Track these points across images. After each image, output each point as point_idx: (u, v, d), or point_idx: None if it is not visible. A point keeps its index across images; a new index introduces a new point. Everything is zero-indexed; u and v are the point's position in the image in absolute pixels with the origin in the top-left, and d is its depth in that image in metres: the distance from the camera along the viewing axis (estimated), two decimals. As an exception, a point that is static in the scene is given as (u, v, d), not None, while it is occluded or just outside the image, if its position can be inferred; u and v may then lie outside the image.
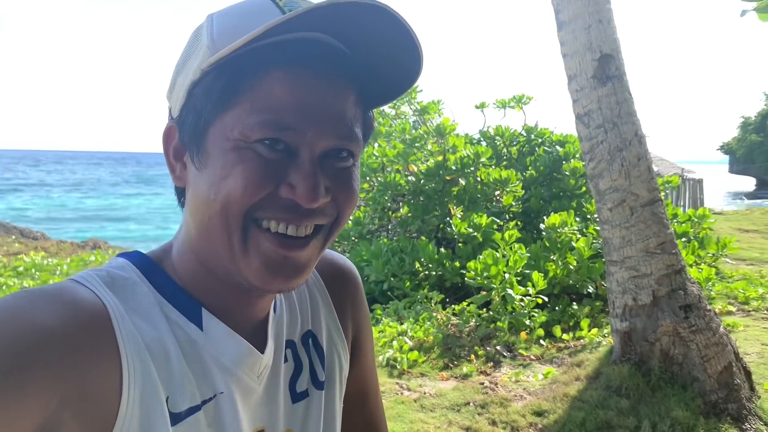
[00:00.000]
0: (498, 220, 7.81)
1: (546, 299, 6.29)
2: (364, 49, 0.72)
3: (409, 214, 8.38)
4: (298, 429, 0.87)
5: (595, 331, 5.59)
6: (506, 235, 7.04)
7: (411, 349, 5.37)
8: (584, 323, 5.81)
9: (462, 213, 8.05)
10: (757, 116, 56.47)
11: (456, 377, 4.94)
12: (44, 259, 13.70)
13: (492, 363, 5.21)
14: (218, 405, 0.75)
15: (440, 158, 8.46)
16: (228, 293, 0.78)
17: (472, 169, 8.32)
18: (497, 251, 6.56)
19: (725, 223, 13.58)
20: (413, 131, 8.92)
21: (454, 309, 6.34)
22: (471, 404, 4.38)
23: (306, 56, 0.69)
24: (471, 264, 6.32)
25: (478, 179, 8.32)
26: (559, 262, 6.75)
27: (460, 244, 7.56)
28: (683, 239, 8.28)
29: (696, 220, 9.01)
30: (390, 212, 8.88)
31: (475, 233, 7.40)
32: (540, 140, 9.79)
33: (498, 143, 9.67)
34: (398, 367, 5.05)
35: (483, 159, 8.35)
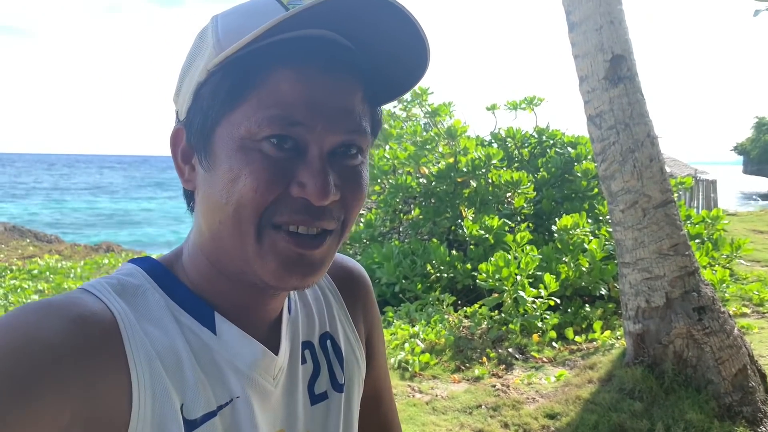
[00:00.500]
0: (509, 222, 7.79)
1: (558, 301, 6.26)
2: (371, 45, 0.72)
3: (421, 217, 8.38)
4: (318, 431, 0.86)
5: (607, 333, 5.56)
6: (518, 236, 7.02)
7: (423, 352, 5.37)
8: (597, 325, 5.78)
9: (473, 215, 8.04)
10: (772, 116, 55.94)
11: (468, 380, 4.93)
12: (58, 262, 13.82)
13: (504, 365, 5.20)
14: (235, 409, 0.75)
15: (451, 160, 8.45)
16: (241, 294, 0.77)
17: (484, 170, 8.30)
18: (509, 253, 6.54)
19: (739, 225, 13.46)
20: (424, 133, 8.92)
21: (465, 311, 6.33)
22: (483, 407, 4.37)
23: (312, 53, 0.69)
24: (483, 266, 6.31)
25: (490, 181, 8.30)
26: (572, 264, 6.72)
27: (471, 246, 7.55)
28: (697, 240, 8.22)
29: (710, 221, 8.95)
30: (401, 214, 8.88)
31: (487, 235, 7.39)
32: (551, 142, 9.75)
33: (509, 145, 9.64)
34: (410, 369, 5.05)
35: (494, 161, 8.34)
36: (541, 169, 9.07)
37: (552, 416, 4.15)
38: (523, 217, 8.29)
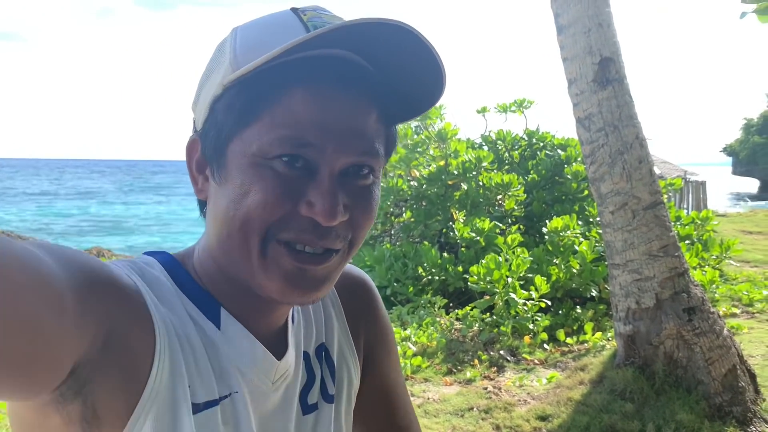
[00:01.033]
0: (500, 225, 7.80)
1: (549, 303, 6.28)
2: (387, 66, 0.72)
3: (412, 219, 8.38)
4: None
5: (598, 334, 5.58)
6: (509, 239, 7.03)
7: (414, 355, 5.37)
8: (588, 327, 5.80)
9: (464, 217, 8.05)
10: (760, 118, 56.42)
11: (459, 382, 4.93)
12: (48, 267, 13.71)
13: (495, 367, 5.20)
14: (233, 404, 0.76)
15: (442, 163, 8.46)
16: (247, 299, 0.78)
17: (474, 173, 8.33)
18: (500, 255, 6.55)
19: (729, 225, 13.55)
20: (415, 136, 8.92)
21: (457, 314, 6.33)
22: (475, 409, 4.37)
23: (327, 72, 0.69)
24: (474, 268, 6.31)
25: (480, 184, 8.32)
26: (562, 266, 6.74)
27: (462, 249, 7.56)
28: (687, 241, 8.26)
29: (699, 222, 9.00)
30: (393, 217, 8.88)
31: (478, 238, 7.40)
32: (541, 144, 9.79)
33: (500, 147, 9.67)
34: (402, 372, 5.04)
35: (485, 163, 8.36)
36: (532, 172, 9.09)
37: (544, 418, 4.16)
38: (513, 220, 8.31)
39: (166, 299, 0.75)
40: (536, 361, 5.33)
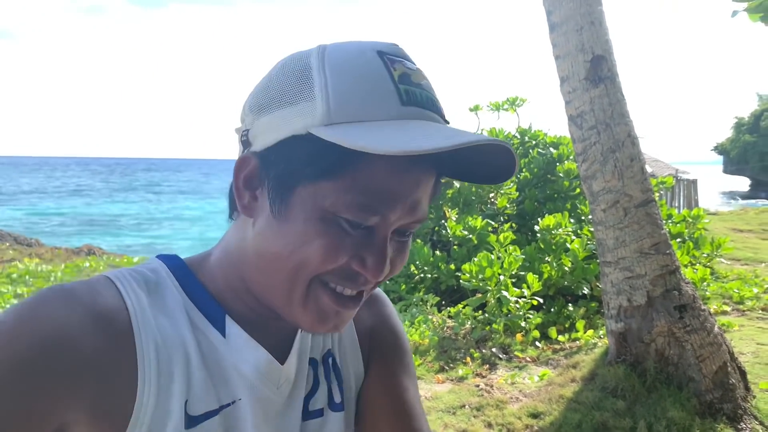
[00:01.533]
0: (493, 223, 7.81)
1: (541, 301, 6.29)
2: (464, 159, 0.73)
3: (404, 217, 8.37)
4: None
5: (590, 332, 5.59)
6: (501, 237, 7.04)
7: (406, 353, 5.35)
8: (579, 324, 5.81)
9: (457, 215, 8.05)
10: (750, 117, 56.71)
11: (451, 380, 4.93)
12: (38, 265, 13.64)
13: (487, 365, 5.21)
14: (237, 411, 0.77)
15: (434, 161, 8.46)
16: (261, 309, 0.80)
17: (467, 171, 8.32)
18: (492, 253, 6.55)
19: (720, 224, 13.61)
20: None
21: (449, 311, 6.34)
22: (466, 407, 4.37)
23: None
24: (466, 266, 6.32)
25: (473, 182, 8.31)
26: (554, 264, 6.75)
27: (455, 247, 7.56)
28: (678, 240, 8.29)
29: (691, 220, 9.03)
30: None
31: (470, 235, 7.40)
32: (534, 142, 9.81)
33: (492, 146, 9.66)
34: (394, 370, 5.03)
35: (477, 161, 8.35)
36: (524, 170, 9.11)
37: (535, 415, 4.16)
38: (506, 218, 8.32)
39: (169, 307, 0.76)
40: (528, 359, 5.34)
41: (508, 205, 8.25)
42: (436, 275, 7.14)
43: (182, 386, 0.72)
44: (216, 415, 0.75)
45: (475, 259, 6.38)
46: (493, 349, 5.48)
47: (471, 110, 10.17)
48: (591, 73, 4.29)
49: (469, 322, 5.96)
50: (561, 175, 8.76)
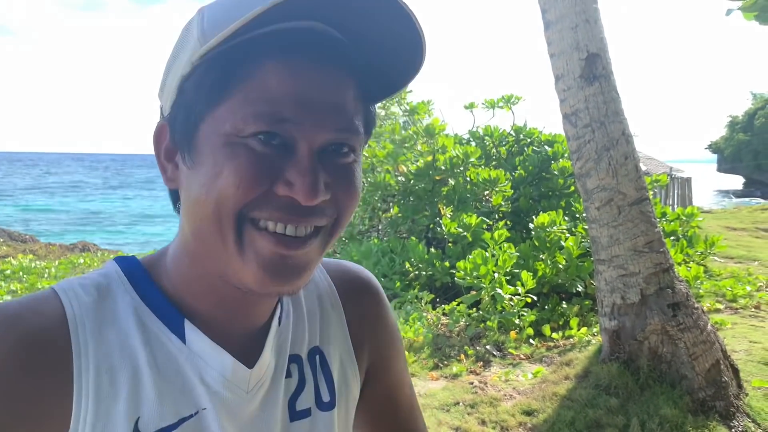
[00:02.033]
0: (487, 220, 7.82)
1: (535, 298, 6.30)
2: (363, 38, 0.68)
3: (399, 215, 8.38)
4: None
5: (584, 330, 5.60)
6: (495, 234, 7.04)
7: (401, 350, 5.36)
8: (573, 322, 5.82)
9: (452, 213, 8.05)
10: (744, 115, 56.82)
11: (446, 377, 4.94)
12: (32, 261, 13.59)
13: (482, 362, 5.21)
14: (200, 422, 0.72)
15: (430, 158, 8.46)
16: (223, 298, 0.75)
17: (462, 169, 8.33)
18: (487, 251, 6.56)
19: (713, 222, 13.65)
20: (403, 131, 8.92)
21: (444, 309, 6.34)
22: (460, 404, 4.38)
23: (302, 45, 0.65)
24: (461, 264, 6.32)
25: (468, 179, 8.33)
26: (548, 261, 6.76)
27: (449, 244, 7.57)
28: (672, 238, 8.31)
29: (684, 218, 9.05)
30: (380, 212, 8.88)
31: (465, 233, 7.41)
32: (529, 140, 9.82)
33: (487, 143, 9.68)
34: (388, 367, 5.03)
35: (472, 159, 8.36)
36: (519, 168, 9.12)
37: (529, 413, 4.17)
38: (500, 215, 8.33)
39: (118, 317, 0.71)
40: (522, 356, 5.35)
41: (502, 203, 8.26)
42: (430, 272, 7.15)
43: (130, 404, 0.68)
44: (175, 429, 0.70)
45: (470, 257, 6.38)
46: (487, 347, 5.49)
47: (466, 108, 10.17)
48: (586, 71, 4.29)
49: (463, 320, 5.96)
50: (556, 172, 8.77)
